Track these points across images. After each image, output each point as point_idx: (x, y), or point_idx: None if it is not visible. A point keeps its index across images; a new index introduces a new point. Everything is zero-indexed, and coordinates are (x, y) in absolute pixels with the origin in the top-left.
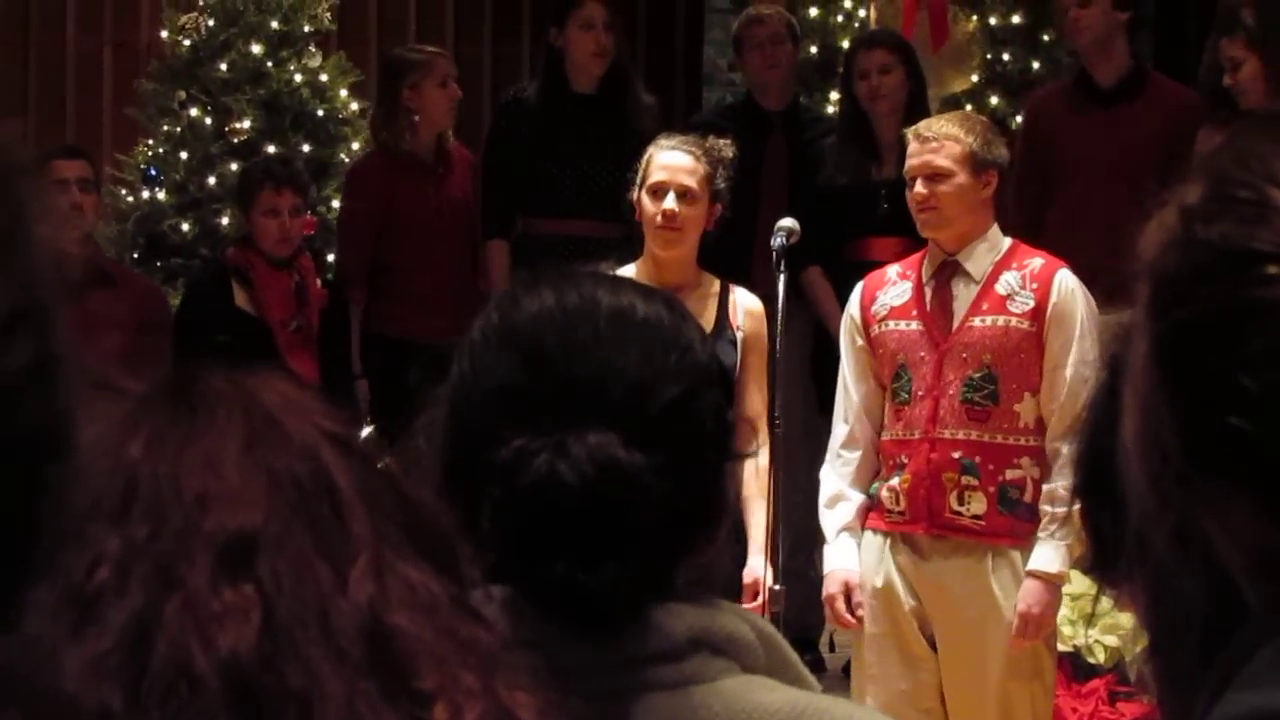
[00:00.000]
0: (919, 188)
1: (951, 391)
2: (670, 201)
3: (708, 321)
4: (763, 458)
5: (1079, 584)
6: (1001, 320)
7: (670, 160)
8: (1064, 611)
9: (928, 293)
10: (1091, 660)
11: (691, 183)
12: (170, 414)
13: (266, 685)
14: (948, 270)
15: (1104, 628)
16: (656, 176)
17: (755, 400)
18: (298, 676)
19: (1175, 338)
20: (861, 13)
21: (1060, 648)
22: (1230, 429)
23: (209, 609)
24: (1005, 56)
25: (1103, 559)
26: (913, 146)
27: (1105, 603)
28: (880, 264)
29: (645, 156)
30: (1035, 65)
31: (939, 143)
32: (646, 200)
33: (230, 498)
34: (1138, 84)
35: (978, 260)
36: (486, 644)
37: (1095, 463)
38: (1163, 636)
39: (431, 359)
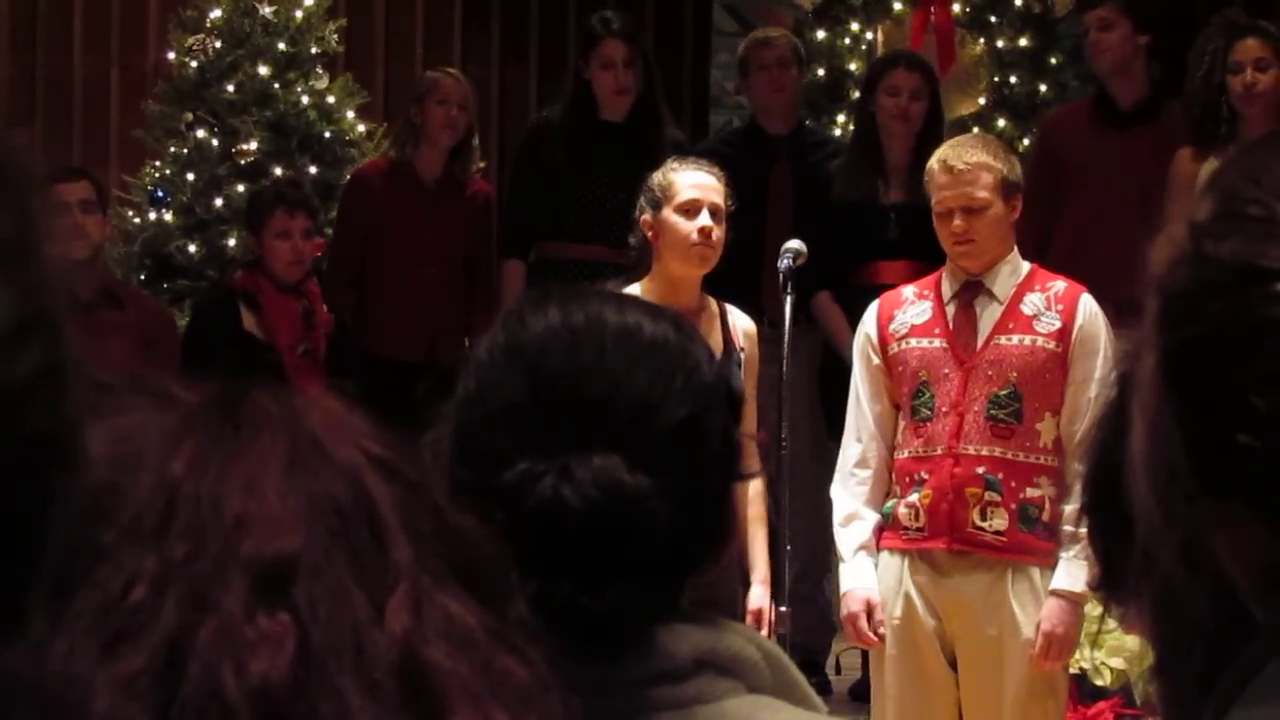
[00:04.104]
0: (957, 221)
1: (976, 408)
2: (707, 219)
3: (716, 343)
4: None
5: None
6: (1029, 340)
7: (700, 180)
8: None
9: (950, 311)
10: (1098, 682)
11: (721, 202)
12: (216, 431)
13: (297, 715)
14: (971, 290)
15: (1110, 650)
16: (688, 195)
17: (749, 420)
18: (328, 708)
19: (1184, 354)
20: (869, 35)
21: None
22: (1238, 447)
23: (242, 635)
24: (1012, 80)
25: (1110, 577)
26: (943, 179)
27: (1111, 624)
28: (889, 288)
29: (661, 178)
30: (1043, 89)
31: (973, 173)
32: (678, 219)
33: (269, 522)
34: (1156, 108)
35: (1002, 281)
36: (522, 679)
37: (1103, 480)
38: (1168, 654)
39: (438, 376)
